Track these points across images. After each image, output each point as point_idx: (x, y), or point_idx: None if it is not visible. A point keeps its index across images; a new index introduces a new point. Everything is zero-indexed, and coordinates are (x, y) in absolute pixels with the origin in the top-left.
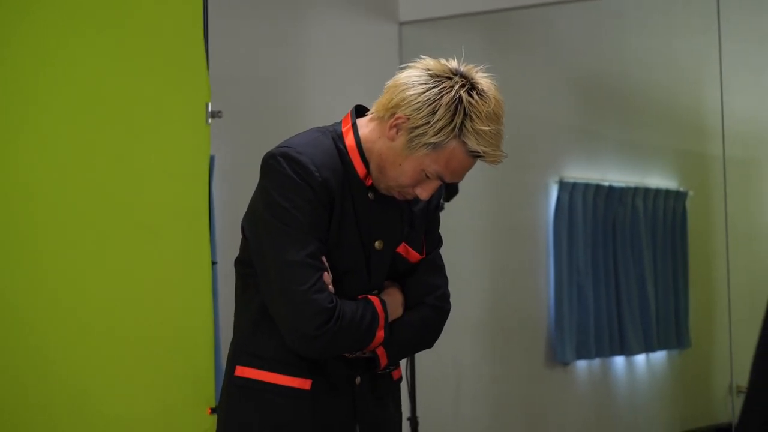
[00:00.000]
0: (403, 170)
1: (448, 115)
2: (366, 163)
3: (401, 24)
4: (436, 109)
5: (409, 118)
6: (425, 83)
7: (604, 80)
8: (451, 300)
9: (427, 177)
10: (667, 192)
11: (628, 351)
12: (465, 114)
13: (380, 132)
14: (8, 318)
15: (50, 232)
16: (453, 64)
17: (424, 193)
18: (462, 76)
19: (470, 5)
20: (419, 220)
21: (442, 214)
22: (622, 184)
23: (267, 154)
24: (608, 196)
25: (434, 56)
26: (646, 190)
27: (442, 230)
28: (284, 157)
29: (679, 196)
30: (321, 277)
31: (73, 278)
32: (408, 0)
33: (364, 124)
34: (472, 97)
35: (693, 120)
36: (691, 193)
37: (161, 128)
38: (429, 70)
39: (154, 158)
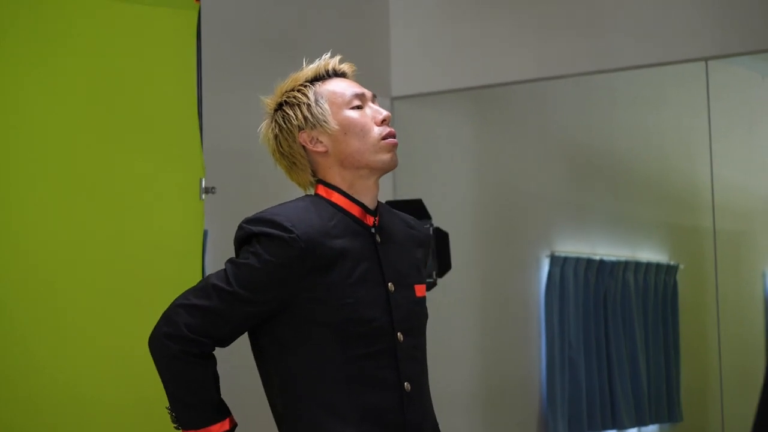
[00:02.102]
0: (355, 129)
1: (295, 97)
2: (356, 201)
3: (393, 99)
4: (291, 107)
5: (302, 129)
6: (265, 124)
7: (595, 154)
8: (442, 374)
9: (358, 108)
10: (658, 266)
11: (620, 425)
12: (292, 88)
13: (323, 164)
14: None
15: (40, 315)
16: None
17: (378, 114)
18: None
19: (461, 81)
20: (419, 259)
21: (434, 290)
22: (613, 258)
23: (240, 223)
24: (599, 270)
25: (423, 128)
26: (637, 264)
27: (432, 304)
28: (255, 221)
29: (669, 270)
30: (208, 310)
31: (65, 356)
32: (400, 76)
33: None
34: (279, 87)
35: (683, 193)
36: (681, 266)
37: (154, 204)
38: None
39: (147, 235)
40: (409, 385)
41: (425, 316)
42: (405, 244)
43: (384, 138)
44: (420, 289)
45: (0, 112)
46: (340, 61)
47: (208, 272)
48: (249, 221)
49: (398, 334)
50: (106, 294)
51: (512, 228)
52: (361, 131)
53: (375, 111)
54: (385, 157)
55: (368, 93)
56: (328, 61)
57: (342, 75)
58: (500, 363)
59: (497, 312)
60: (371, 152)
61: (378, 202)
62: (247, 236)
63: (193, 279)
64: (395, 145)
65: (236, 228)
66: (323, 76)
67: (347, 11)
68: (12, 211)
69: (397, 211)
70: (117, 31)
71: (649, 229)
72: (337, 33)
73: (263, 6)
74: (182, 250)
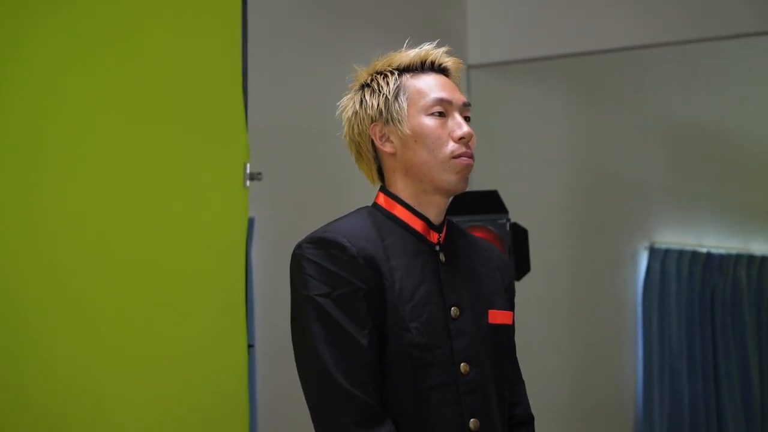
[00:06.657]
0: (426, 140)
1: (378, 84)
2: (420, 215)
3: (469, 67)
4: (371, 93)
5: (375, 122)
6: (347, 98)
7: (701, 132)
8: (526, 383)
9: (439, 115)
10: None
11: None
12: (381, 71)
13: (389, 166)
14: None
15: (73, 313)
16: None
17: (458, 129)
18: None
19: (547, 48)
20: (497, 284)
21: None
22: (723, 251)
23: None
24: (706, 265)
25: (503, 102)
26: (750, 258)
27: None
28: (310, 243)
29: None
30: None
31: (96, 364)
32: (477, 41)
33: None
34: (373, 64)
35: None
36: None
37: (192, 193)
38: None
39: (184, 227)
40: (476, 423)
41: (504, 345)
42: (476, 266)
43: (456, 156)
44: (497, 315)
45: (30, 93)
46: (445, 55)
47: (254, 266)
48: (300, 246)
49: (461, 364)
50: (140, 294)
51: (605, 217)
52: (432, 143)
53: (456, 124)
54: (452, 177)
55: (457, 100)
56: (429, 51)
57: (442, 70)
58: (591, 372)
59: (587, 313)
60: (438, 169)
61: (447, 220)
62: (303, 265)
63: (236, 276)
64: (467, 167)
65: (287, 220)
66: (417, 68)
67: None
68: (37, 202)
69: (470, 233)
70: None
71: (764, 217)
72: None
73: None
74: (224, 244)
